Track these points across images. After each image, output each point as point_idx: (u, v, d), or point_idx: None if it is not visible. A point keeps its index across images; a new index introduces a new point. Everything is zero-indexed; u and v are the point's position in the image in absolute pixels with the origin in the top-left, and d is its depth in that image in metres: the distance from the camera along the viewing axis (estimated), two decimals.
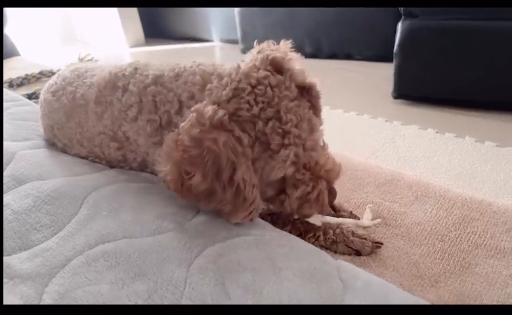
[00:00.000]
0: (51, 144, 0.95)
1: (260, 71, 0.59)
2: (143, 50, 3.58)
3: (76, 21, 4.14)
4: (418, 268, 0.69)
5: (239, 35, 2.82)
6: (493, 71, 1.34)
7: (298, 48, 0.68)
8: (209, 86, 0.62)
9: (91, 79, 0.83)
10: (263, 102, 0.58)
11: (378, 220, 0.79)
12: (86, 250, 0.57)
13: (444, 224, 0.78)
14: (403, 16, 1.48)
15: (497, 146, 1.17)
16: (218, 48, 3.31)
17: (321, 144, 0.68)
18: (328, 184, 0.66)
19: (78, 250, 0.58)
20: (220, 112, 0.56)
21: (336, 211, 0.82)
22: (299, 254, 0.56)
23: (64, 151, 0.91)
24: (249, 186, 0.58)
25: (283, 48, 0.65)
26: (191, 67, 0.69)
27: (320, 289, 0.50)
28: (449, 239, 0.75)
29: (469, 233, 0.76)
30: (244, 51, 2.80)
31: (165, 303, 0.50)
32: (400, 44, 1.50)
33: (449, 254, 0.72)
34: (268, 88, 0.58)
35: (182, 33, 3.76)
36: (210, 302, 0.49)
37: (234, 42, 3.01)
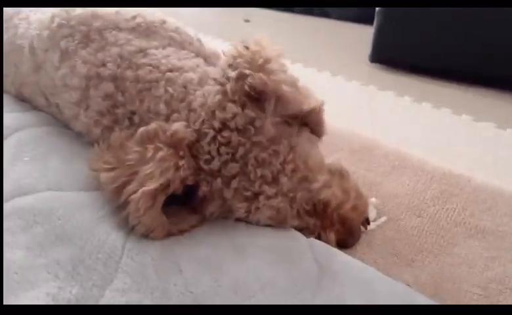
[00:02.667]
0: None
1: (229, 105, 0.45)
2: None
3: None
4: (394, 245, 0.62)
5: None
6: (476, 42, 1.28)
7: None
8: (174, 116, 0.48)
9: (34, 15, 0.66)
10: (227, 154, 0.45)
11: (383, 219, 0.66)
12: None
13: (421, 198, 0.72)
14: None
15: (473, 120, 1.13)
16: None
17: (329, 174, 0.54)
18: (345, 226, 0.53)
19: None
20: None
21: None
22: (264, 230, 0.46)
23: None
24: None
25: (265, 52, 0.47)
26: (158, 71, 0.53)
27: (292, 269, 0.41)
28: (427, 214, 0.68)
29: (447, 209, 0.70)
30: None
31: (94, 277, 0.39)
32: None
33: (426, 232, 0.65)
34: (234, 134, 0.45)
35: None
36: (153, 277, 0.39)
37: None
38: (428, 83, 1.37)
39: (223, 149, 0.44)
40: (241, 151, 0.44)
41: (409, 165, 0.80)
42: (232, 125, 0.45)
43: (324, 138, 0.86)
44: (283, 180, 0.45)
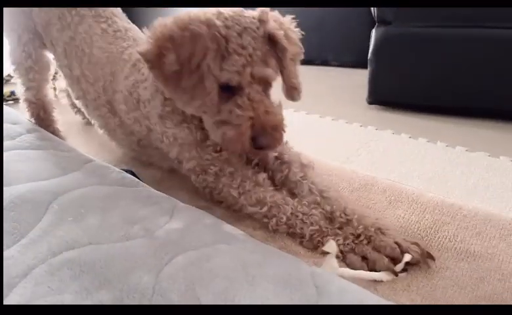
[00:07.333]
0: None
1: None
2: None
3: None
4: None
5: None
6: (463, 78, 1.38)
7: None
8: None
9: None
10: (233, 21, 0.69)
11: (407, 258, 0.67)
12: (49, 258, 0.55)
13: (415, 229, 0.79)
14: (376, 23, 1.51)
15: (467, 150, 1.20)
16: None
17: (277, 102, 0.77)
18: (262, 126, 0.69)
19: (41, 258, 0.55)
20: (211, 15, 0.68)
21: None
22: (273, 261, 0.55)
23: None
24: (211, 75, 0.67)
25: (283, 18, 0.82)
26: None
27: (294, 295, 0.49)
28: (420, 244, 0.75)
29: (439, 237, 0.76)
30: None
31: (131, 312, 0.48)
32: (373, 51, 1.52)
33: None
34: (241, 18, 0.71)
35: None
36: None
37: None
38: (423, 119, 1.46)
39: (230, 19, 0.71)
40: (242, 25, 0.70)
41: (405, 199, 0.88)
42: (240, 14, 0.72)
43: (327, 178, 0.94)
44: (258, 53, 0.70)
